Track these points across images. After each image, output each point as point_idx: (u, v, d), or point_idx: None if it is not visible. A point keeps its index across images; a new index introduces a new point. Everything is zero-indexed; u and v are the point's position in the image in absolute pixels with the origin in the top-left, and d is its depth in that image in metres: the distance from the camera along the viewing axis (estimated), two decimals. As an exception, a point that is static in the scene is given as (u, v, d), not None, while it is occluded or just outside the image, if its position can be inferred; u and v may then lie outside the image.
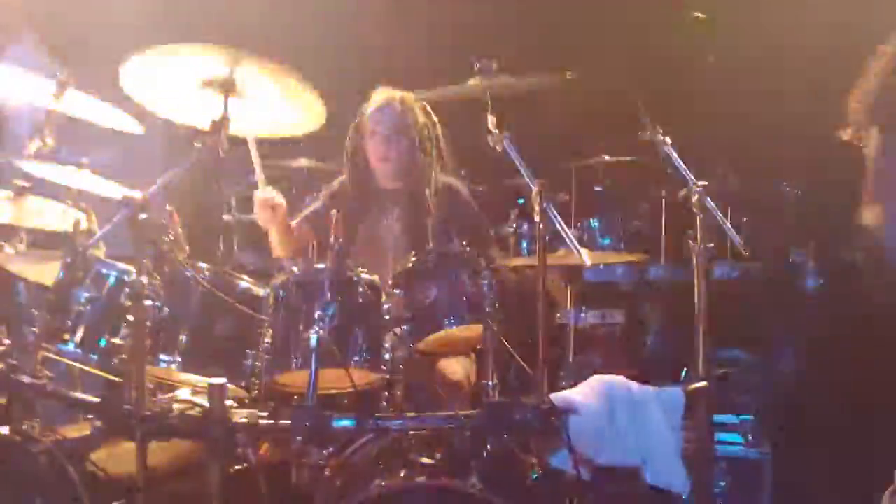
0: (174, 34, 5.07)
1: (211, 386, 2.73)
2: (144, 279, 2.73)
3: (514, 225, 4.94)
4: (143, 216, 2.68)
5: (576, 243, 2.61)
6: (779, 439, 3.82)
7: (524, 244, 4.98)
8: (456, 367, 3.52)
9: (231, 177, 5.22)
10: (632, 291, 4.29)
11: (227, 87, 2.92)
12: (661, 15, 4.69)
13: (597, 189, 5.00)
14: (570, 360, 3.46)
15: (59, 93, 3.31)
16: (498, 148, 2.89)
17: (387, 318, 3.05)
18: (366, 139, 3.87)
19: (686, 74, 4.91)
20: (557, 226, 2.66)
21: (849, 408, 4.16)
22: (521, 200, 5.23)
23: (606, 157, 4.94)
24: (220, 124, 2.92)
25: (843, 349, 4.40)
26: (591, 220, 5.04)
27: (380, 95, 3.89)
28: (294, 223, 3.93)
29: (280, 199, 3.71)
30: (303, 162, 5.39)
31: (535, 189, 2.69)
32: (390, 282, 3.14)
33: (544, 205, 2.65)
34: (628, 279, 4.29)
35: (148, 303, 2.73)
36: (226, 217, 5.25)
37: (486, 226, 3.88)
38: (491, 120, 2.88)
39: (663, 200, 4.80)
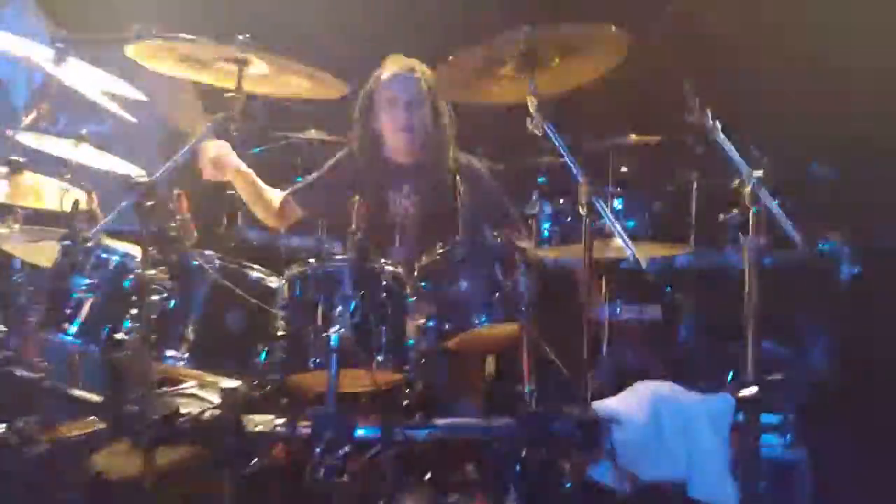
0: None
1: (223, 390, 2.50)
2: (151, 272, 2.49)
3: (537, 207, 4.68)
4: (149, 203, 2.43)
5: (629, 243, 2.38)
6: (817, 439, 3.62)
7: (546, 227, 4.73)
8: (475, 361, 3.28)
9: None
10: (665, 283, 4.08)
11: (242, 63, 2.66)
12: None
13: (622, 169, 4.74)
14: (603, 356, 3.25)
15: (59, 60, 3.04)
16: (537, 132, 2.63)
17: (412, 313, 2.83)
18: (380, 108, 3.54)
19: (720, 51, 4.66)
20: (608, 222, 2.42)
21: (886, 404, 3.98)
22: (542, 180, 4.98)
23: (633, 136, 4.68)
24: (236, 98, 2.67)
25: (882, 342, 4.21)
26: (615, 201, 4.79)
27: (396, 62, 3.57)
28: (282, 194, 3.63)
29: (219, 150, 3.31)
30: (312, 133, 5.11)
31: (582, 184, 2.45)
32: (415, 273, 2.92)
33: (593, 200, 2.41)
34: (662, 270, 4.07)
35: (154, 298, 2.49)
36: (230, 192, 4.98)
37: (514, 211, 3.61)
38: (532, 102, 2.62)
39: (694, 184, 4.56)
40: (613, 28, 2.69)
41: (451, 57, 2.82)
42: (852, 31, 4.69)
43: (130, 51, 2.75)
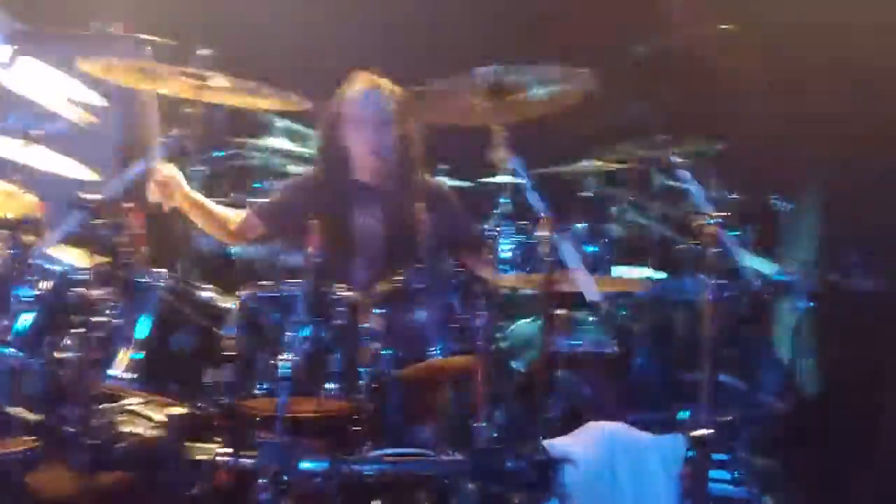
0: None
1: (168, 416, 2.42)
2: (99, 291, 2.40)
3: (497, 228, 4.64)
4: (99, 220, 2.34)
5: (589, 284, 2.34)
6: (769, 476, 3.62)
7: (506, 248, 4.69)
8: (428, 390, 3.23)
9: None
10: (622, 314, 4.07)
11: (201, 77, 2.58)
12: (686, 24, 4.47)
13: (583, 194, 4.72)
14: (559, 390, 3.22)
15: (10, 62, 2.93)
16: (502, 165, 2.59)
17: (365, 339, 2.78)
18: (347, 126, 3.46)
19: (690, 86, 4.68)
20: (566, 261, 2.39)
21: (841, 439, 4.00)
22: (505, 199, 4.94)
23: (596, 162, 4.67)
24: (193, 114, 2.60)
25: (837, 375, 4.24)
26: (576, 226, 4.76)
27: (363, 79, 3.48)
28: (244, 213, 3.54)
29: (167, 177, 3.16)
30: (271, 141, 5.02)
31: (544, 219, 2.41)
32: (372, 300, 2.86)
33: (556, 236, 2.37)
34: (620, 302, 4.06)
35: (100, 319, 2.40)
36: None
37: (478, 236, 3.55)
38: (497, 133, 2.57)
39: (663, 214, 4.56)
40: (582, 70, 2.66)
41: (419, 88, 2.79)
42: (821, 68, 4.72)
43: (86, 65, 2.64)
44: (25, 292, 2.78)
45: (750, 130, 4.88)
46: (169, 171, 3.15)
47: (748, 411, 3.99)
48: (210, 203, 3.43)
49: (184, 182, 3.23)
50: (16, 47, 2.95)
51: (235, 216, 3.54)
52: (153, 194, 3.16)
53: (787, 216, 4.92)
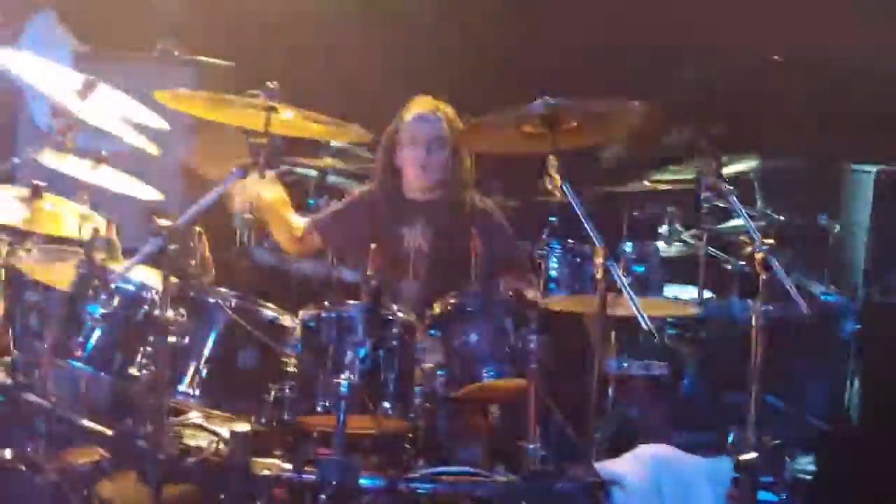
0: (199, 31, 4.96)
1: (232, 433, 2.54)
2: (170, 312, 2.53)
3: (546, 247, 4.71)
4: (173, 246, 2.47)
5: (642, 313, 2.41)
6: (816, 500, 3.65)
7: (555, 267, 4.76)
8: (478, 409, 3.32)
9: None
10: (671, 334, 4.11)
11: (270, 109, 2.70)
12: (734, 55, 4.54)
13: (634, 214, 4.78)
14: (609, 412, 3.28)
15: (85, 93, 3.07)
16: (557, 194, 2.67)
17: (420, 360, 2.88)
18: (402, 146, 3.62)
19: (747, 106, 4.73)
20: (622, 287, 2.46)
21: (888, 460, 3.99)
22: (553, 218, 5.00)
23: (647, 183, 4.73)
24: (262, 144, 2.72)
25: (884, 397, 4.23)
26: (625, 246, 4.81)
27: (421, 103, 3.65)
28: (303, 222, 3.72)
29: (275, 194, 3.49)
30: (327, 161, 5.15)
31: (598, 251, 2.49)
32: (426, 320, 2.96)
33: (608, 264, 2.45)
34: (668, 323, 4.11)
35: (172, 339, 2.53)
36: (246, 216, 5.01)
37: (525, 259, 3.64)
38: (551, 163, 2.66)
39: (705, 235, 4.60)
40: (635, 103, 2.74)
41: (474, 120, 2.89)
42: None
43: (159, 95, 2.78)
44: (97, 310, 2.93)
45: (796, 151, 4.92)
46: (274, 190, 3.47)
47: (795, 433, 4.02)
48: (289, 209, 3.66)
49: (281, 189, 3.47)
50: (91, 77, 3.08)
51: (302, 222, 3.73)
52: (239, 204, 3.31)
53: (834, 237, 4.93)
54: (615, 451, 2.87)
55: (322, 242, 3.75)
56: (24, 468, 2.74)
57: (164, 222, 2.51)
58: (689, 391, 3.95)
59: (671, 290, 4.06)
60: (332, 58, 5.21)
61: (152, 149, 3.35)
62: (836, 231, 4.99)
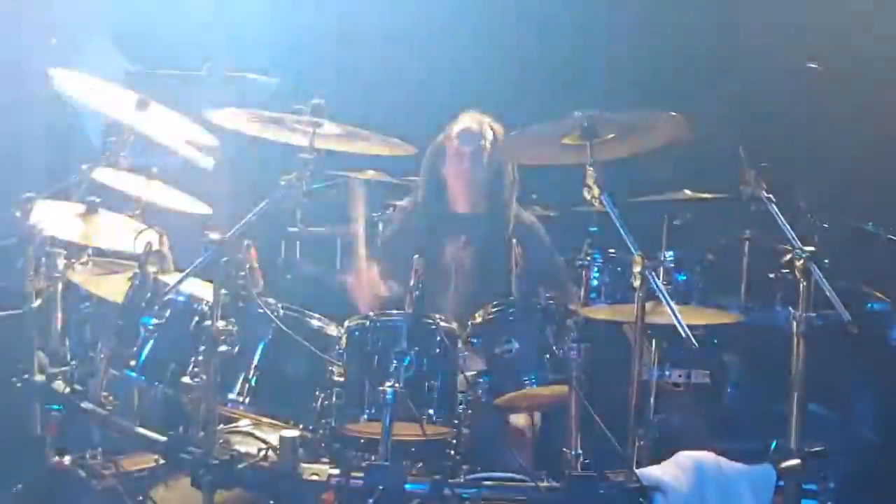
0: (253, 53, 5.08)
1: (282, 438, 2.61)
2: (221, 323, 2.61)
3: (588, 257, 4.75)
4: (224, 259, 2.55)
5: (681, 322, 2.44)
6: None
7: (596, 277, 4.78)
8: (520, 415, 3.36)
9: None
10: (714, 343, 4.11)
11: (315, 125, 2.78)
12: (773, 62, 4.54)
13: (675, 222, 4.78)
14: (650, 419, 3.30)
15: (140, 107, 3.18)
16: (595, 203, 2.71)
17: (463, 368, 2.94)
18: (447, 159, 3.70)
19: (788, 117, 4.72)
20: (660, 295, 2.49)
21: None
22: (594, 228, 5.03)
23: (687, 192, 4.73)
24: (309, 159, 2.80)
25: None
26: (668, 253, 4.83)
27: (468, 118, 3.73)
28: (367, 266, 3.60)
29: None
30: (371, 174, 5.23)
31: (636, 257, 2.53)
32: (468, 328, 3.02)
33: (647, 273, 2.48)
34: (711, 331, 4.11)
35: (223, 349, 2.61)
36: (291, 228, 5.12)
37: (565, 271, 3.69)
38: (590, 174, 2.70)
39: (746, 240, 4.60)
40: (672, 114, 2.77)
41: (514, 133, 2.95)
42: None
43: (209, 114, 2.88)
44: (150, 321, 3.03)
45: (841, 159, 4.89)
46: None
47: (839, 442, 3.99)
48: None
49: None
50: (143, 96, 3.19)
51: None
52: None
53: (880, 244, 4.89)
54: (657, 459, 2.89)
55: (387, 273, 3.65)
56: (82, 474, 2.83)
57: (214, 236, 2.60)
58: (732, 400, 3.95)
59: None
60: (377, 73, 5.30)
61: (207, 162, 3.44)
62: (882, 239, 4.95)
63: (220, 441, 2.89)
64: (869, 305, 4.76)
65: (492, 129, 3.65)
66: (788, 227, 2.99)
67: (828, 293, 2.88)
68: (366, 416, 2.84)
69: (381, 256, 3.68)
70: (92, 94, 3.47)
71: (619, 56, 5.24)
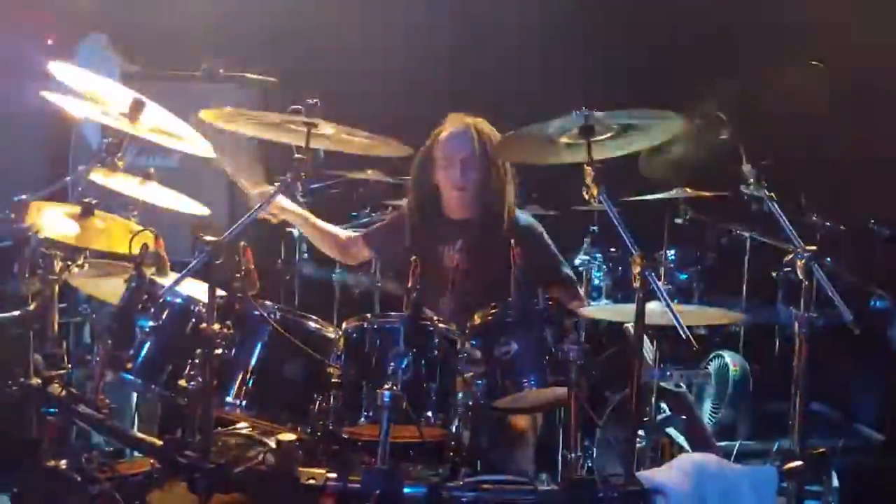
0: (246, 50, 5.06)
1: (280, 442, 2.59)
2: (217, 326, 2.59)
3: (589, 257, 4.74)
4: (218, 261, 2.53)
5: (681, 322, 2.41)
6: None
7: (597, 276, 4.78)
8: (520, 417, 3.33)
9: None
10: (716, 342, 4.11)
11: (310, 125, 2.76)
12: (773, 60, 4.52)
13: (676, 221, 4.78)
14: (650, 421, 3.28)
15: (133, 116, 3.15)
16: (593, 202, 2.68)
17: (461, 370, 2.91)
18: (437, 165, 3.61)
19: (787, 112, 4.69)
20: (660, 295, 2.46)
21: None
22: (594, 228, 5.03)
23: (689, 190, 4.72)
24: (303, 159, 2.78)
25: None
26: (669, 252, 4.83)
27: (456, 120, 3.63)
28: (348, 232, 3.88)
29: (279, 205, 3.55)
30: (369, 174, 5.22)
31: (636, 260, 2.50)
32: (466, 331, 2.99)
33: (646, 273, 2.46)
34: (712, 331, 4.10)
35: (219, 352, 2.59)
36: (290, 228, 5.11)
37: (566, 273, 3.64)
38: (588, 173, 2.67)
39: (748, 239, 4.58)
40: (670, 113, 2.75)
41: (512, 133, 2.93)
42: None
43: (205, 114, 2.85)
44: (147, 323, 3.01)
45: (843, 158, 4.87)
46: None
47: (843, 441, 3.97)
48: (314, 218, 3.75)
49: (286, 202, 3.55)
50: (139, 97, 3.16)
51: (344, 232, 3.86)
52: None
53: (883, 242, 4.87)
54: (657, 460, 2.88)
55: (371, 255, 3.89)
56: (78, 478, 2.81)
57: (209, 237, 2.57)
58: (734, 400, 3.93)
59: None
60: (371, 73, 5.29)
61: (209, 153, 3.41)
62: (886, 237, 4.94)
63: (218, 444, 2.87)
64: (871, 304, 4.74)
65: (479, 130, 3.56)
66: (790, 226, 2.95)
67: (830, 293, 2.85)
68: (364, 419, 2.81)
69: (375, 242, 3.81)
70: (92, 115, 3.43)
71: (618, 56, 5.23)
